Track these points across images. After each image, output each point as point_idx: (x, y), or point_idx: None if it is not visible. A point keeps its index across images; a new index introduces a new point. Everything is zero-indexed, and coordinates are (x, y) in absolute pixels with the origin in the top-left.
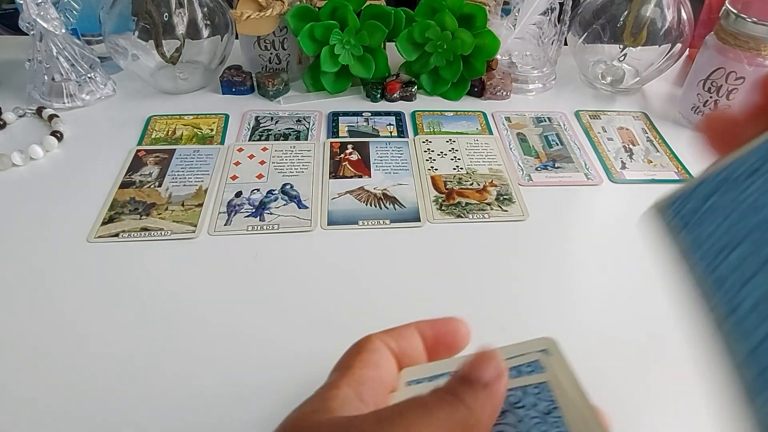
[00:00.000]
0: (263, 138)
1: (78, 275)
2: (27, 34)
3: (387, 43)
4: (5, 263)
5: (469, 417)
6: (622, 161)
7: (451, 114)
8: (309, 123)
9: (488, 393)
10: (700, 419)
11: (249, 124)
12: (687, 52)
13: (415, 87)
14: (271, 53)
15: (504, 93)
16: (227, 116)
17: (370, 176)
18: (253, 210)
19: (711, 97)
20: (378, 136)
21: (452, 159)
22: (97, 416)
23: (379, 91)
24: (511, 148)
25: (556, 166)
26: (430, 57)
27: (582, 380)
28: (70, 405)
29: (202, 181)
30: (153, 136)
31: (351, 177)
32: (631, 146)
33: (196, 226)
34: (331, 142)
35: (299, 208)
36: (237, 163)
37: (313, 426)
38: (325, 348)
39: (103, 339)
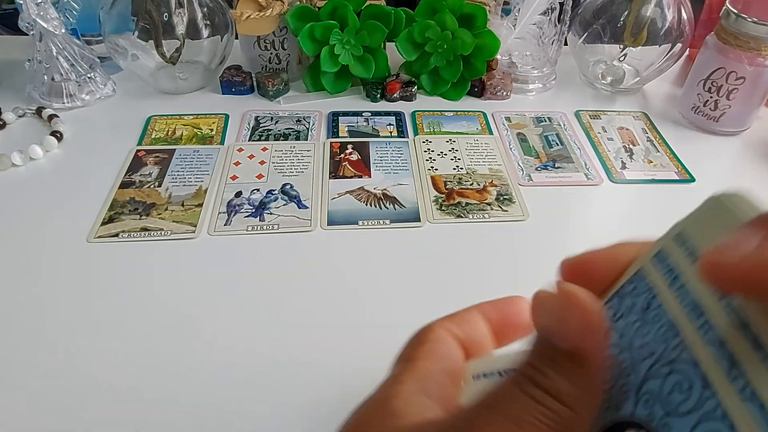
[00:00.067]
0: (263, 138)
1: (78, 275)
2: (27, 34)
3: (387, 43)
4: (5, 263)
5: (561, 414)
6: (622, 161)
7: (451, 114)
8: (309, 123)
9: (587, 370)
10: None
11: (249, 124)
12: (687, 52)
13: (415, 87)
14: (271, 53)
15: (504, 93)
16: (227, 116)
17: (370, 176)
18: (253, 210)
19: (711, 97)
20: (378, 136)
21: (452, 159)
22: (97, 415)
23: (379, 91)
24: (511, 148)
25: (556, 166)
26: (430, 57)
27: None
28: (69, 405)
29: (202, 181)
30: (153, 136)
31: (351, 177)
32: (631, 146)
33: (195, 226)
34: (331, 142)
35: (299, 208)
36: (237, 163)
37: None
38: (325, 348)
39: (103, 339)
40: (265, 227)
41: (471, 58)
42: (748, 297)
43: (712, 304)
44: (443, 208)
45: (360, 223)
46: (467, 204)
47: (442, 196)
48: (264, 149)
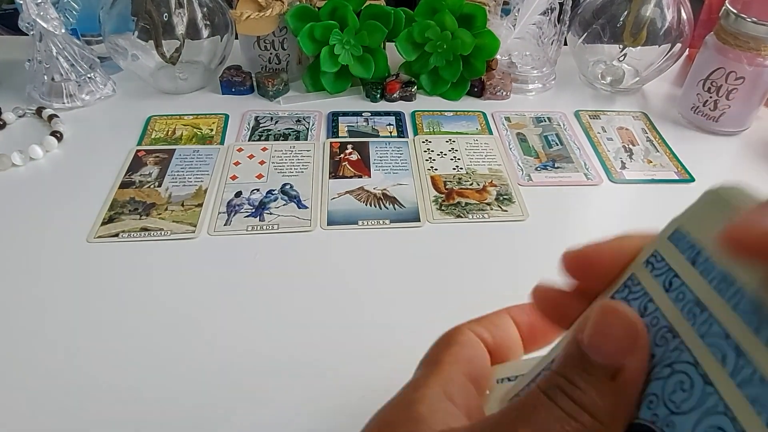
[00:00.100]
0: (263, 138)
1: (78, 275)
2: (27, 34)
3: (387, 43)
4: (5, 263)
5: (590, 428)
6: (621, 161)
7: (451, 114)
8: (309, 123)
9: (619, 385)
10: None
11: (249, 124)
12: (687, 52)
13: (415, 87)
14: (271, 53)
15: (504, 93)
16: (227, 116)
17: (369, 176)
18: (253, 210)
19: (711, 97)
20: (378, 136)
21: (452, 159)
22: (97, 415)
23: (379, 91)
24: (510, 148)
25: (555, 166)
26: (429, 57)
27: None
28: (69, 405)
29: (201, 181)
30: (153, 136)
31: (351, 177)
32: (630, 146)
33: (195, 226)
34: (331, 142)
35: (299, 208)
36: (237, 163)
37: None
38: (324, 348)
39: (103, 339)
40: (265, 227)
41: (471, 58)
42: None
43: (714, 299)
44: (443, 208)
45: (360, 223)
46: (467, 204)
47: (442, 196)
48: (264, 149)
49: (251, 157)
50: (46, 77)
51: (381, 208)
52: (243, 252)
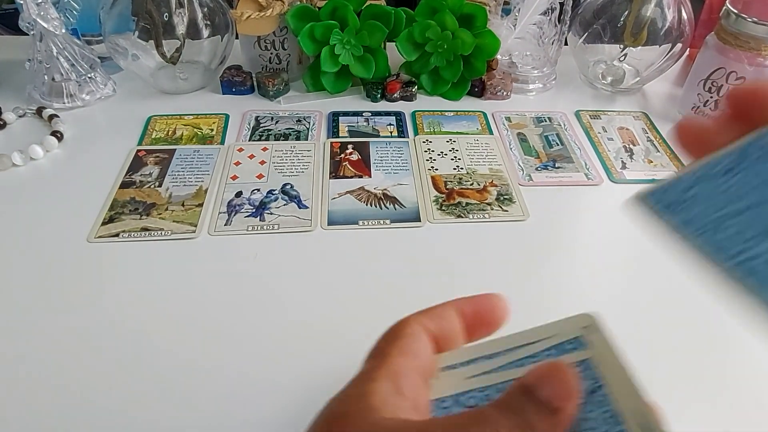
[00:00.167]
0: (263, 138)
1: (78, 275)
2: (27, 34)
3: (387, 43)
4: (5, 263)
5: None
6: (622, 161)
7: (452, 114)
8: (309, 123)
9: (558, 419)
10: (702, 411)
11: (249, 124)
12: (687, 52)
13: (416, 87)
14: (271, 53)
15: (504, 93)
16: (227, 116)
17: (370, 176)
18: (254, 210)
19: (711, 97)
20: (378, 136)
21: (452, 159)
22: (96, 415)
23: (380, 91)
24: (511, 148)
25: (556, 166)
26: (430, 57)
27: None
28: (69, 404)
29: (202, 181)
30: (153, 136)
31: (351, 177)
32: (631, 146)
33: (196, 226)
34: (332, 142)
35: (299, 208)
36: (237, 163)
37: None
38: (325, 348)
39: (103, 338)
40: (265, 227)
41: (471, 58)
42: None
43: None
44: (443, 208)
45: (360, 223)
46: (467, 204)
47: (443, 196)
48: (264, 149)
49: (252, 157)
50: (46, 77)
51: (381, 208)
52: (243, 252)
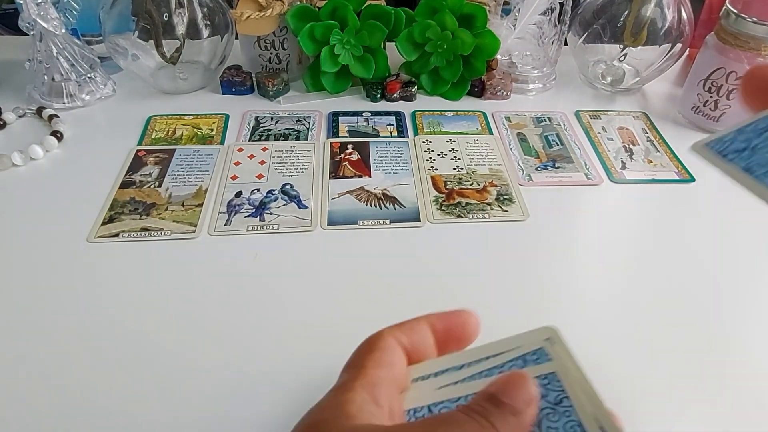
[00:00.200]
0: (263, 138)
1: (78, 275)
2: (27, 34)
3: (387, 43)
4: (5, 263)
5: None
6: (622, 161)
7: (451, 114)
8: (309, 123)
9: (519, 420)
10: (702, 411)
11: (249, 124)
12: (687, 52)
13: (415, 87)
14: (271, 53)
15: (504, 93)
16: (227, 116)
17: (370, 176)
18: (253, 210)
19: (711, 97)
20: (378, 136)
21: (452, 159)
22: (96, 415)
23: (379, 91)
24: (511, 148)
25: (556, 166)
26: (430, 57)
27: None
28: (69, 404)
29: (202, 181)
30: (153, 136)
31: (351, 177)
32: (631, 146)
33: (196, 226)
34: (331, 142)
35: (299, 208)
36: (237, 163)
37: None
38: (325, 348)
39: (103, 338)
40: (265, 227)
41: (471, 58)
42: None
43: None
44: (443, 208)
45: (360, 223)
46: (467, 204)
47: (442, 196)
48: (264, 149)
49: (251, 157)
50: (46, 77)
51: (381, 208)
52: (243, 252)
